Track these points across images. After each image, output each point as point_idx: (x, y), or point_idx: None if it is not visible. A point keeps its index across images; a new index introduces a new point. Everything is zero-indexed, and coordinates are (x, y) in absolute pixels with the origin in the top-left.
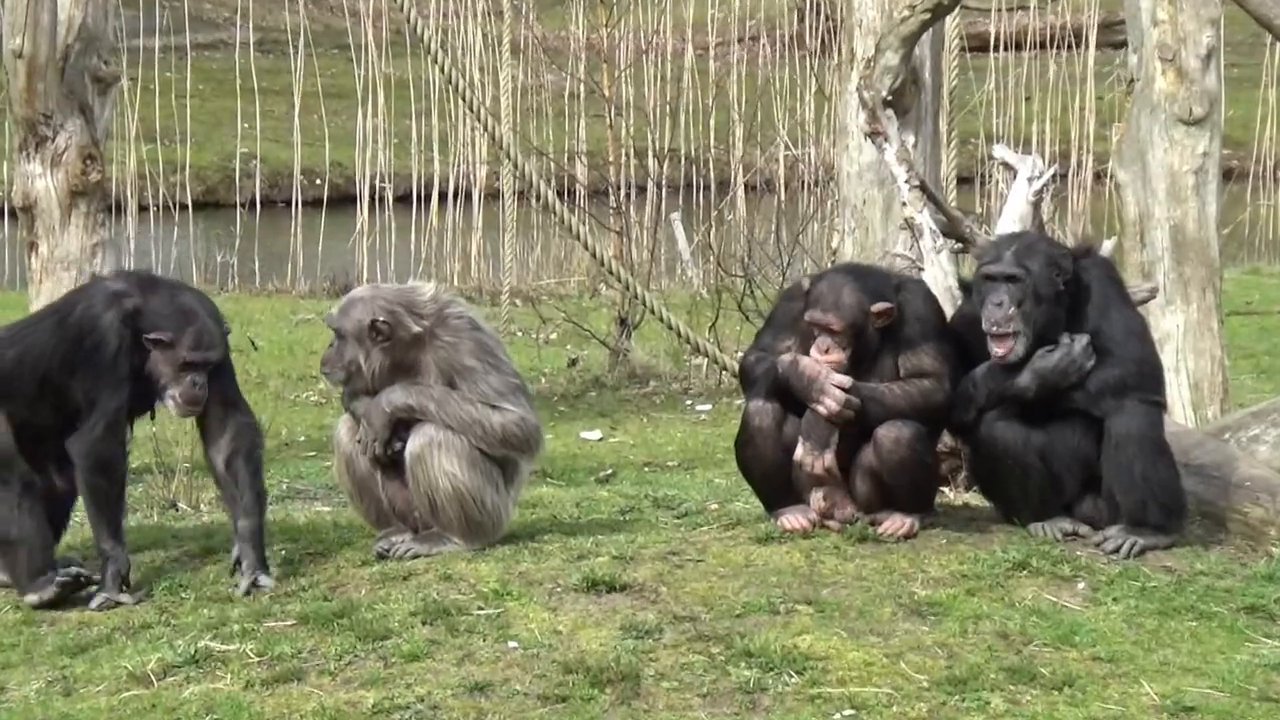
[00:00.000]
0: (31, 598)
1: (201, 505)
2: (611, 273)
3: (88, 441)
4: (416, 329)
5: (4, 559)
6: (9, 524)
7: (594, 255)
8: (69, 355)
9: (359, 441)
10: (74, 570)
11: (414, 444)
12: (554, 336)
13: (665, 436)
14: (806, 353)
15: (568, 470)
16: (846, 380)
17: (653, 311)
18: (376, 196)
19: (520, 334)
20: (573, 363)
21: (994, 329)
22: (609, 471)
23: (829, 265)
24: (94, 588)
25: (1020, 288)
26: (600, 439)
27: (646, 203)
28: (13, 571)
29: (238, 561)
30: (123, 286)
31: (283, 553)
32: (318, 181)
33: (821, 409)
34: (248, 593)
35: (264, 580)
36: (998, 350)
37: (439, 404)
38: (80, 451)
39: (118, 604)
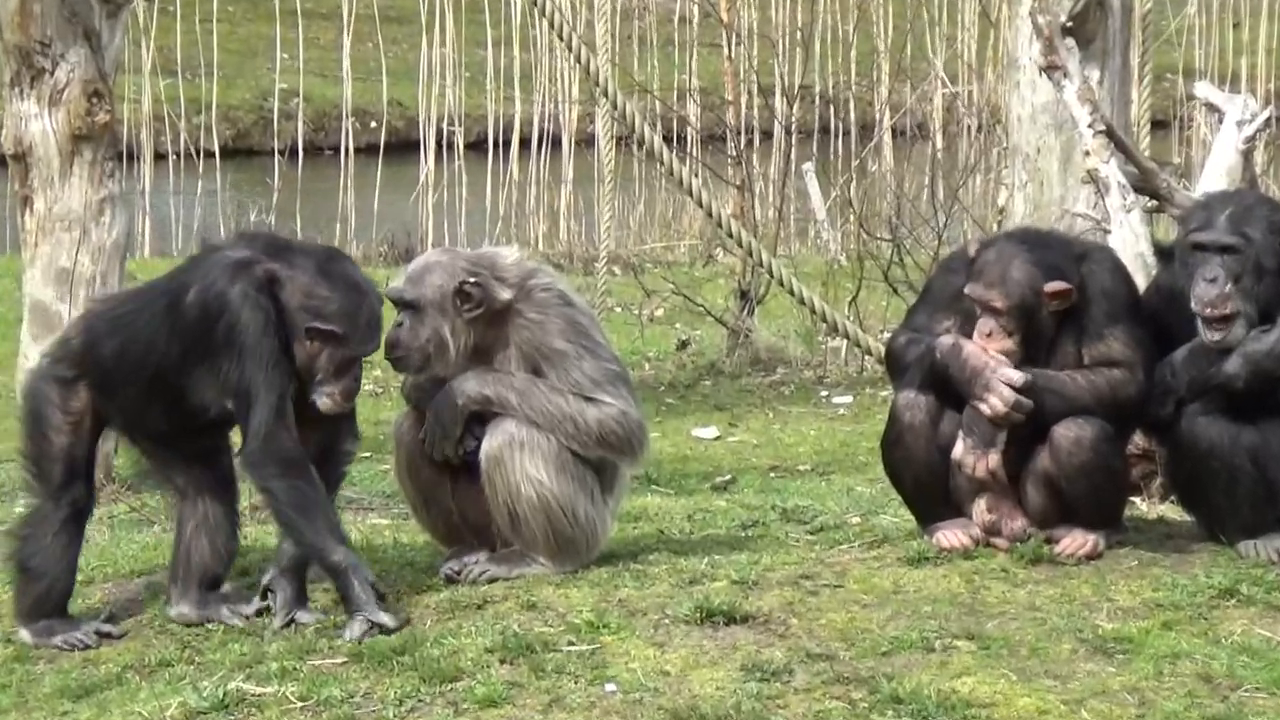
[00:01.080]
0: (25, 635)
1: None
2: (730, 235)
3: (258, 448)
4: (506, 295)
5: (15, 583)
6: (34, 551)
7: (709, 214)
8: (196, 349)
9: (424, 440)
10: (87, 634)
11: (491, 444)
12: (660, 313)
13: (796, 435)
14: (969, 335)
15: (677, 476)
16: (1018, 377)
17: (780, 282)
18: (444, 142)
19: (619, 310)
20: (683, 345)
21: (1208, 311)
22: (727, 477)
23: (994, 227)
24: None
25: (1239, 260)
26: (717, 438)
27: (773, 150)
28: (17, 600)
29: (269, 591)
30: (246, 253)
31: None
32: (372, 124)
33: (985, 408)
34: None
35: (304, 616)
36: (1213, 336)
37: (522, 395)
38: (256, 463)
39: (383, 629)
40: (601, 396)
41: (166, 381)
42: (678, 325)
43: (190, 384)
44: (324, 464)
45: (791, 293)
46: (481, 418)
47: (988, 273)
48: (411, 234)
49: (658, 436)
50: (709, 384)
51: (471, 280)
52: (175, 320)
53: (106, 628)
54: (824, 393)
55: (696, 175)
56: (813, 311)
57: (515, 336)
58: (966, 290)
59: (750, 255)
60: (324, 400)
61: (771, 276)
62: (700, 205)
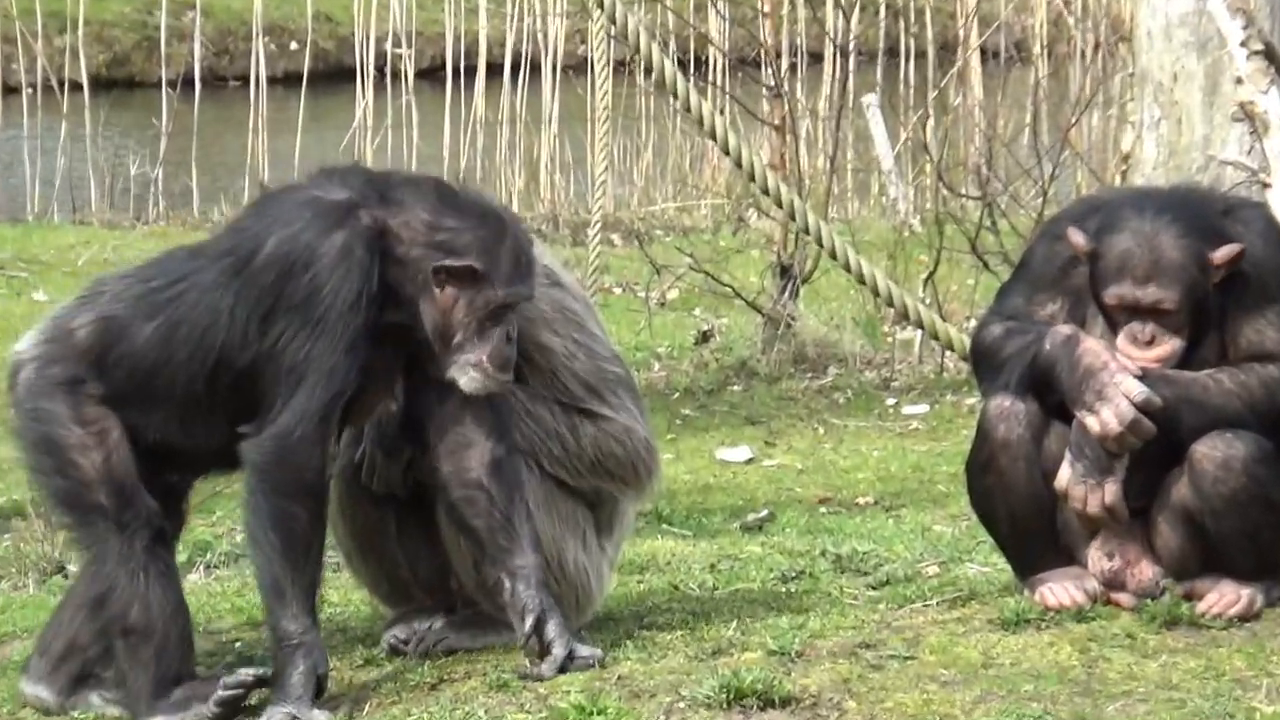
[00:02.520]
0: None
1: None
2: (766, 192)
3: (275, 450)
4: None
5: (121, 659)
6: (126, 603)
7: (739, 164)
8: (261, 314)
9: (361, 466)
10: (247, 676)
11: None
12: (674, 295)
13: (853, 457)
14: (1082, 322)
15: (697, 511)
16: (1139, 391)
17: (833, 255)
18: (388, 70)
19: (620, 290)
20: (705, 337)
21: None
22: (763, 513)
23: (1118, 179)
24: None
25: None
26: (749, 460)
27: (823, 80)
28: (132, 679)
29: (536, 629)
30: (345, 194)
31: (238, 645)
32: (292, 46)
33: (1093, 424)
34: (564, 669)
35: (585, 650)
36: None
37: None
38: (263, 466)
39: None
40: (598, 407)
41: (233, 376)
42: (697, 312)
43: (262, 369)
44: (495, 437)
45: (848, 268)
46: None
47: (1133, 264)
48: None
49: (671, 459)
50: (738, 389)
51: None
52: (245, 285)
53: (257, 671)
54: (891, 400)
55: (722, 112)
56: (876, 293)
57: None
58: (1109, 296)
59: (793, 218)
60: (468, 375)
61: (821, 246)
62: (727, 152)
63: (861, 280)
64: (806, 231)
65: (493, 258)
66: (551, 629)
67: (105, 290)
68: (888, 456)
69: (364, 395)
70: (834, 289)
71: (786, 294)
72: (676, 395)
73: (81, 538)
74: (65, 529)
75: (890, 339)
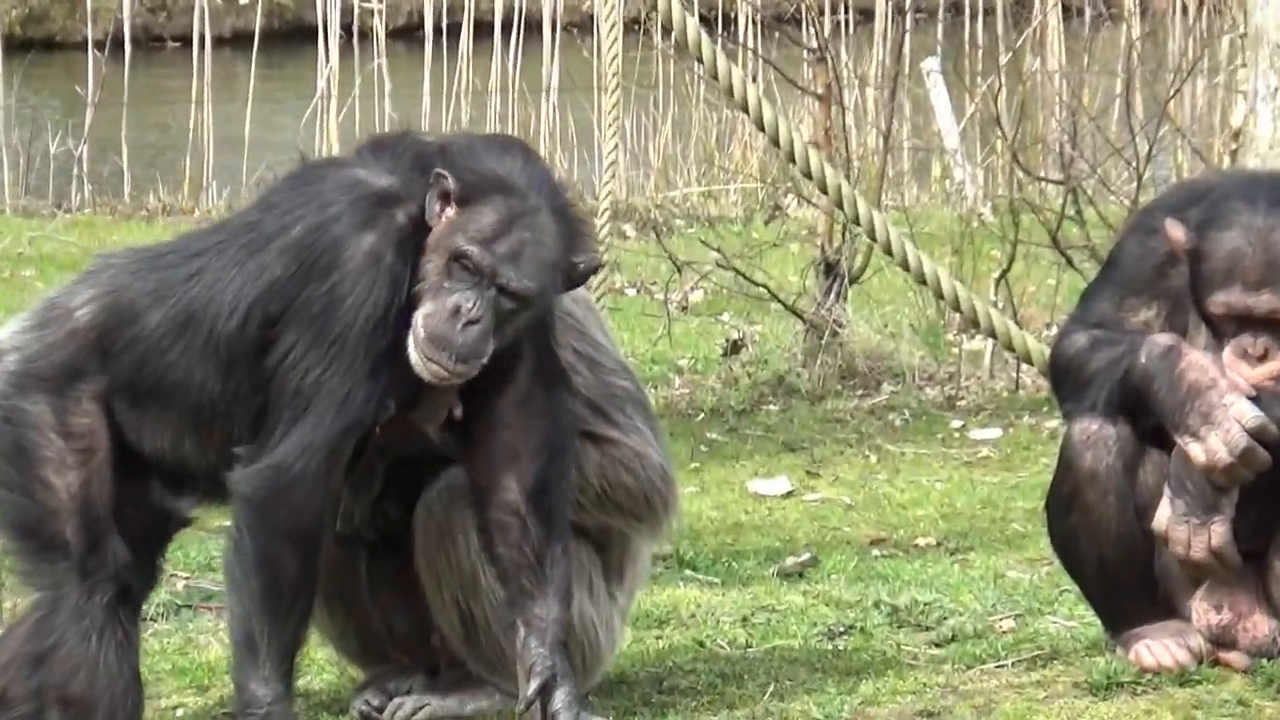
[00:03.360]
0: None
1: None
2: (808, 174)
3: (274, 475)
4: None
5: None
6: (72, 667)
7: (775, 141)
8: (268, 311)
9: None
10: None
11: (431, 504)
12: (698, 297)
13: (912, 490)
14: (1183, 331)
15: (726, 554)
16: (1253, 415)
17: (888, 250)
18: (355, 30)
19: (634, 291)
20: (735, 348)
21: None
22: (805, 556)
23: (1226, 160)
24: None
25: None
26: (788, 494)
27: (874, 41)
28: None
29: (540, 695)
30: (389, 180)
31: (179, 713)
32: (243, 0)
33: (1199, 454)
34: None
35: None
36: None
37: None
38: (257, 493)
39: None
40: (603, 429)
41: (250, 383)
42: (725, 317)
43: (273, 392)
44: (541, 456)
45: (905, 265)
46: (416, 468)
47: (1242, 267)
48: None
49: (694, 492)
50: (775, 409)
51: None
52: (257, 271)
53: None
54: (956, 423)
55: (755, 80)
56: (938, 295)
57: None
58: (1217, 304)
59: (840, 206)
60: (410, 335)
61: (874, 240)
62: (761, 128)
63: (922, 280)
64: (856, 222)
65: (484, 198)
66: (559, 698)
67: (111, 265)
68: (953, 489)
69: (419, 402)
70: (888, 290)
71: (832, 296)
72: (701, 416)
73: (31, 574)
74: (11, 558)
75: (956, 350)
